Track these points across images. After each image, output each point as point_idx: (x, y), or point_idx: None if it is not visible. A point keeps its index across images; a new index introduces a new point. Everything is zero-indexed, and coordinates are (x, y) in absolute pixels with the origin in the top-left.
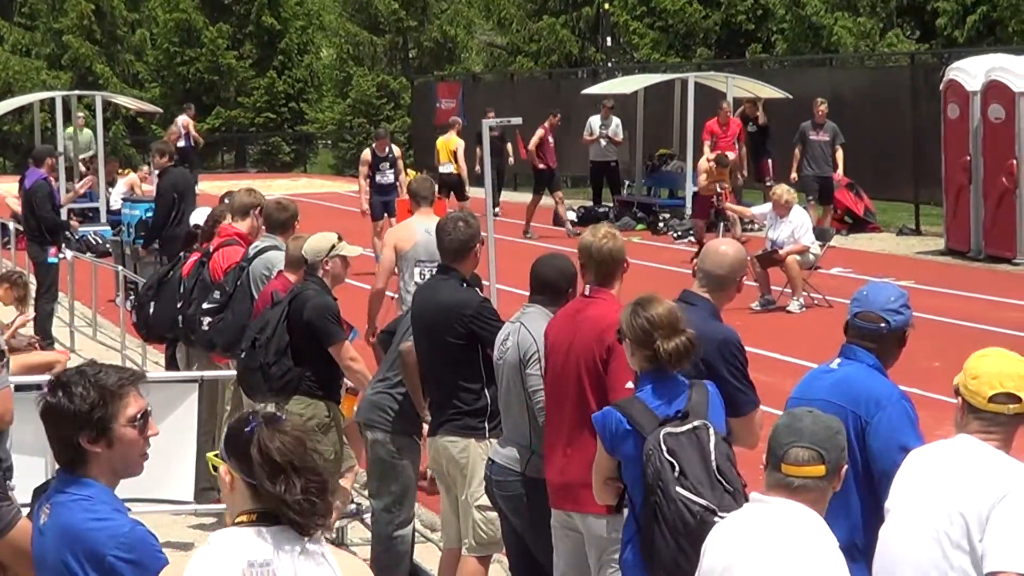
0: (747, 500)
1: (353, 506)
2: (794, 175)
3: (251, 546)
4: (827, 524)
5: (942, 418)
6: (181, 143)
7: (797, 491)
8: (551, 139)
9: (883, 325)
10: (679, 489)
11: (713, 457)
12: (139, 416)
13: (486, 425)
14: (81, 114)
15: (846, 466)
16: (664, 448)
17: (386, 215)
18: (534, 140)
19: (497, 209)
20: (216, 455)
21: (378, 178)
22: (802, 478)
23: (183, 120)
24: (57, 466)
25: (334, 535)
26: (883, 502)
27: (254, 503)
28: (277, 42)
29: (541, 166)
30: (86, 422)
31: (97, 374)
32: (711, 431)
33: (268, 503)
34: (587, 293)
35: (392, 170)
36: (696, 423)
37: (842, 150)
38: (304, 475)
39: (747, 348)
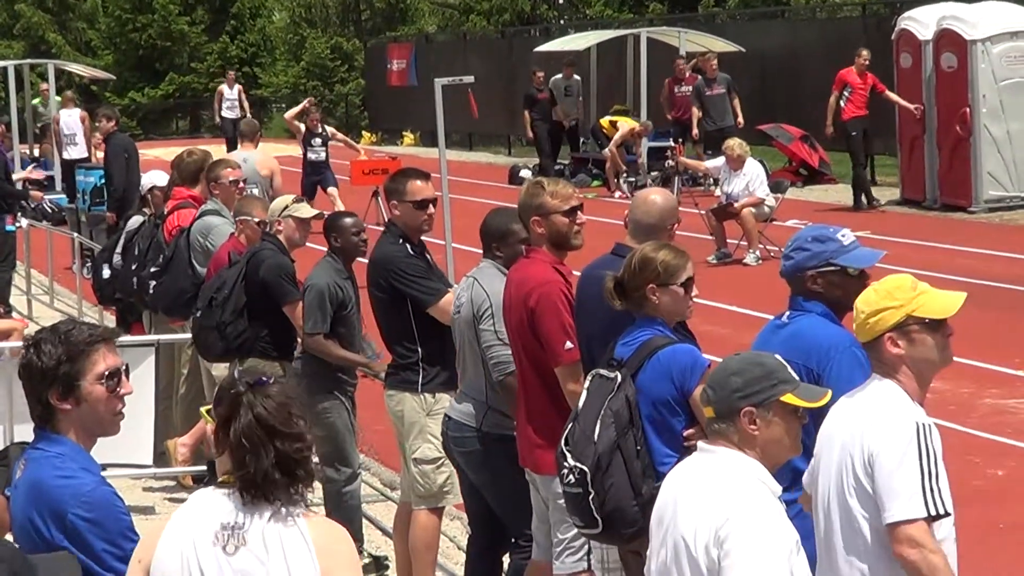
0: (607, 459)
1: None
2: (695, 131)
3: (225, 508)
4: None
5: None
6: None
7: (714, 435)
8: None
9: (785, 274)
10: (570, 424)
11: (602, 409)
12: (109, 374)
13: (419, 379)
14: (45, 85)
15: (751, 408)
16: (586, 385)
17: (319, 189)
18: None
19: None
20: (208, 410)
21: (310, 155)
22: (708, 420)
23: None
24: (14, 433)
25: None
26: None
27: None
28: (229, 6)
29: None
30: (53, 378)
31: (69, 331)
32: (621, 387)
33: (243, 467)
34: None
35: (324, 148)
36: (618, 375)
37: (738, 97)
38: (286, 441)
39: (704, 301)
